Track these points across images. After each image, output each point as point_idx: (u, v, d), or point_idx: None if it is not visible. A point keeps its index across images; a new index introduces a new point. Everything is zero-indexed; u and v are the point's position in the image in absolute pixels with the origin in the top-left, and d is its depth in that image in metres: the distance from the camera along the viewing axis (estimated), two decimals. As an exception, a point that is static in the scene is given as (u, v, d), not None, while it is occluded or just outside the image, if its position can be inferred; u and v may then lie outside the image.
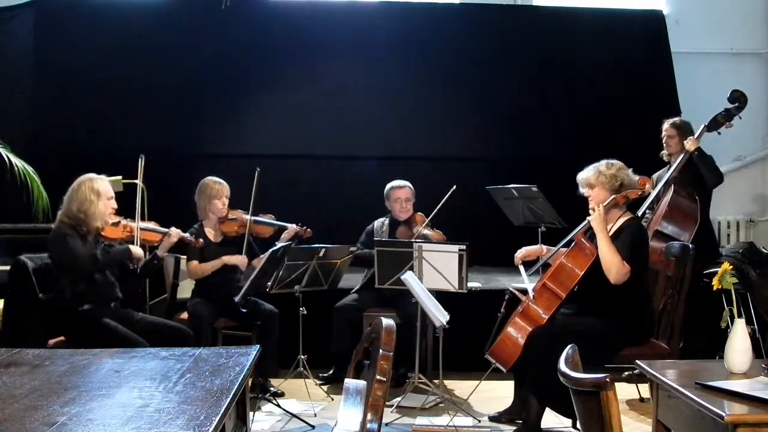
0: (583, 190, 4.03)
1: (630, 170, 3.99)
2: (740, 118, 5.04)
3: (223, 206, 4.76)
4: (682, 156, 4.96)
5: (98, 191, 4.08)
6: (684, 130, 5.08)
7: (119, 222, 4.21)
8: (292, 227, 4.85)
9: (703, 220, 4.94)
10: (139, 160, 4.43)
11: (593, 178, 3.95)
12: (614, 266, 3.73)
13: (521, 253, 4.22)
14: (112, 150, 6.28)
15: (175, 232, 4.36)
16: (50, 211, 5.35)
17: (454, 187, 4.86)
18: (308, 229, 4.92)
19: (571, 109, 7.03)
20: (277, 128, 7.03)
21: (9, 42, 6.94)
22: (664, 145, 5.18)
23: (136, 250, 4.21)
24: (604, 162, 3.99)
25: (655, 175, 5.22)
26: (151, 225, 4.42)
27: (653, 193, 4.97)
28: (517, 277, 4.11)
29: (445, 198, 4.86)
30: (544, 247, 4.28)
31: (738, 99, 4.99)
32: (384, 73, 7.06)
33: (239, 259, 4.68)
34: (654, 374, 2.65)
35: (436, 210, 4.92)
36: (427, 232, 4.99)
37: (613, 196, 3.90)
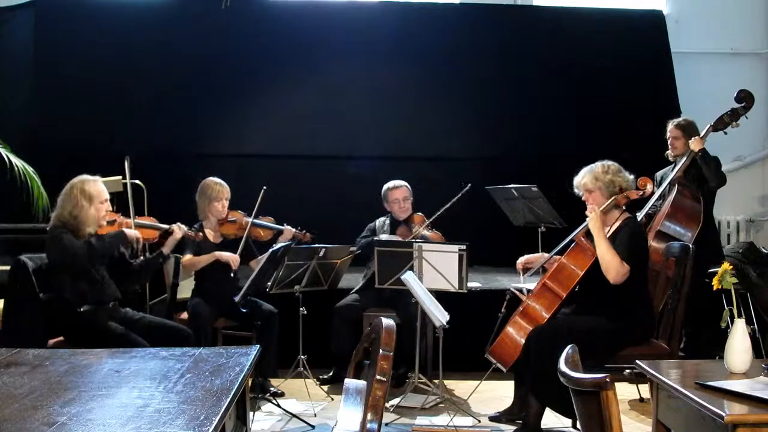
0: (580, 193, 4.02)
1: (626, 172, 3.98)
2: (746, 117, 5.02)
3: (223, 208, 4.75)
4: (686, 156, 4.95)
5: (90, 195, 3.98)
6: (689, 130, 5.04)
7: (115, 221, 4.17)
8: (289, 230, 4.84)
9: (707, 221, 4.92)
10: (125, 160, 4.34)
11: (590, 184, 3.94)
12: (613, 267, 3.73)
13: (522, 260, 4.25)
14: (112, 150, 6.26)
15: (179, 229, 4.33)
16: (50, 211, 5.33)
17: (468, 185, 4.83)
18: (308, 233, 4.91)
19: (571, 109, 7.02)
20: (277, 128, 7.03)
21: (9, 42, 6.94)
22: (670, 146, 5.14)
23: (131, 232, 4.13)
24: (599, 164, 3.99)
25: (658, 173, 5.21)
26: (149, 221, 4.37)
27: (657, 193, 4.96)
28: (517, 278, 4.11)
29: (455, 198, 4.86)
30: (545, 255, 4.28)
31: (745, 99, 4.98)
32: (384, 73, 7.06)
33: (231, 257, 4.63)
34: (654, 374, 2.65)
35: (443, 209, 4.92)
36: (426, 233, 4.99)
37: (614, 197, 3.90)
